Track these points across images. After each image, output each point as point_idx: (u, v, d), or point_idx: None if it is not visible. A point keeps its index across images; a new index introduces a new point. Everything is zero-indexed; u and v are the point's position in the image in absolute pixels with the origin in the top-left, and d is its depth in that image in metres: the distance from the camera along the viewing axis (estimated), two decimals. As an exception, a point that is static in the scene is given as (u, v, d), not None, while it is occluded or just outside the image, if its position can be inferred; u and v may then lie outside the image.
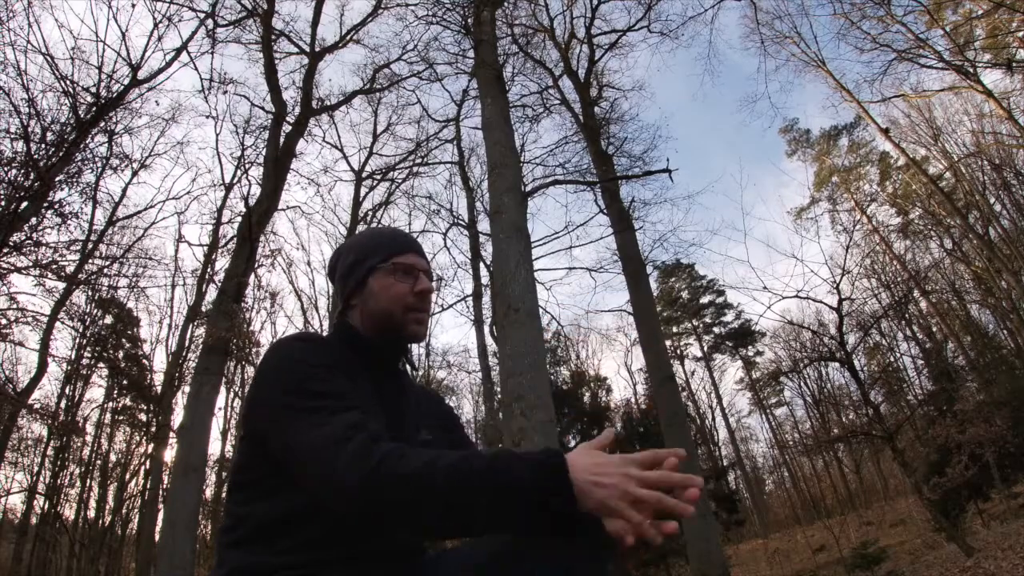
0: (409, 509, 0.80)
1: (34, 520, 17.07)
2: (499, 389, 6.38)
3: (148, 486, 15.73)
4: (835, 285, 8.72)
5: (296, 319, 20.09)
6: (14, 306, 8.74)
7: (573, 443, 16.58)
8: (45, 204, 7.86)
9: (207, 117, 12.45)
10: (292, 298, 22.83)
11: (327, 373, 0.99)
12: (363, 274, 1.16)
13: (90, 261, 11.42)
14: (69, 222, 8.26)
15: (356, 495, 0.81)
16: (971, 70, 14.00)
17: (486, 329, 14.35)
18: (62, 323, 12.38)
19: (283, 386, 0.97)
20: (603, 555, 0.82)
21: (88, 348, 17.64)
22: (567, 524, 0.78)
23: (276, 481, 0.96)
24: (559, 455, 0.79)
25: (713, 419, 29.23)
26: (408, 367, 1.22)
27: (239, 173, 13.09)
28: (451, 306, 16.70)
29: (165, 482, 14.20)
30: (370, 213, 16.97)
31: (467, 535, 0.87)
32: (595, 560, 0.82)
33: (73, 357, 16.73)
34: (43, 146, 7.98)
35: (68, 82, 8.38)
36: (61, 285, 10.00)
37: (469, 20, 8.57)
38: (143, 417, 19.61)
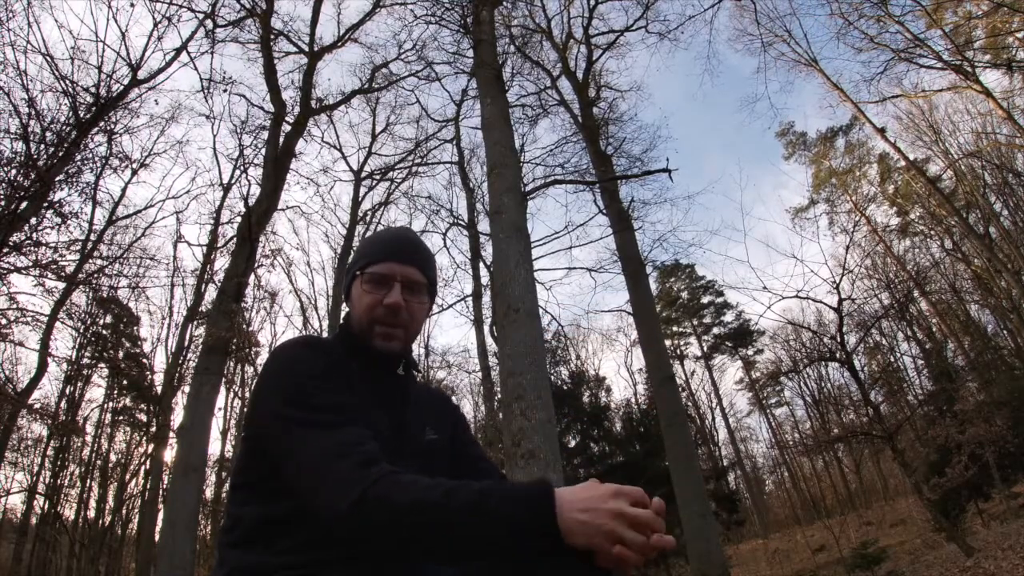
0: (394, 539, 0.82)
1: (34, 520, 17.09)
2: (499, 389, 6.39)
3: (148, 486, 15.74)
4: (835, 285, 8.73)
5: (296, 319, 20.13)
6: (14, 306, 8.75)
7: (573, 443, 16.59)
8: (45, 204, 7.86)
9: (206, 118, 12.44)
10: (292, 298, 22.86)
11: (328, 383, 1.00)
12: (349, 280, 1.17)
13: (90, 261, 11.43)
14: (69, 222, 8.27)
15: (343, 519, 0.83)
16: (970, 70, 14.00)
17: (486, 329, 14.35)
18: (62, 323, 12.39)
19: (284, 394, 0.97)
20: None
21: (88, 348, 17.65)
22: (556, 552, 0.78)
23: (276, 482, 0.96)
24: (547, 494, 0.79)
25: (713, 419, 29.28)
26: (410, 371, 1.19)
27: (238, 173, 13.09)
28: (451, 306, 16.70)
29: (165, 482, 14.20)
30: (369, 213, 16.98)
31: (452, 564, 0.88)
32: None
33: (73, 357, 16.74)
34: (43, 146, 7.98)
35: (68, 82, 8.39)
36: (61, 285, 9.99)
37: (468, 20, 8.56)
38: (143, 417, 19.62)
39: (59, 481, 17.51)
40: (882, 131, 16.78)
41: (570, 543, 0.76)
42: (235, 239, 10.50)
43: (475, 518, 0.79)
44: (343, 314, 1.20)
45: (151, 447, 17.17)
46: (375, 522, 0.82)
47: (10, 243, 7.39)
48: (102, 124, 8.87)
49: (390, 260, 1.12)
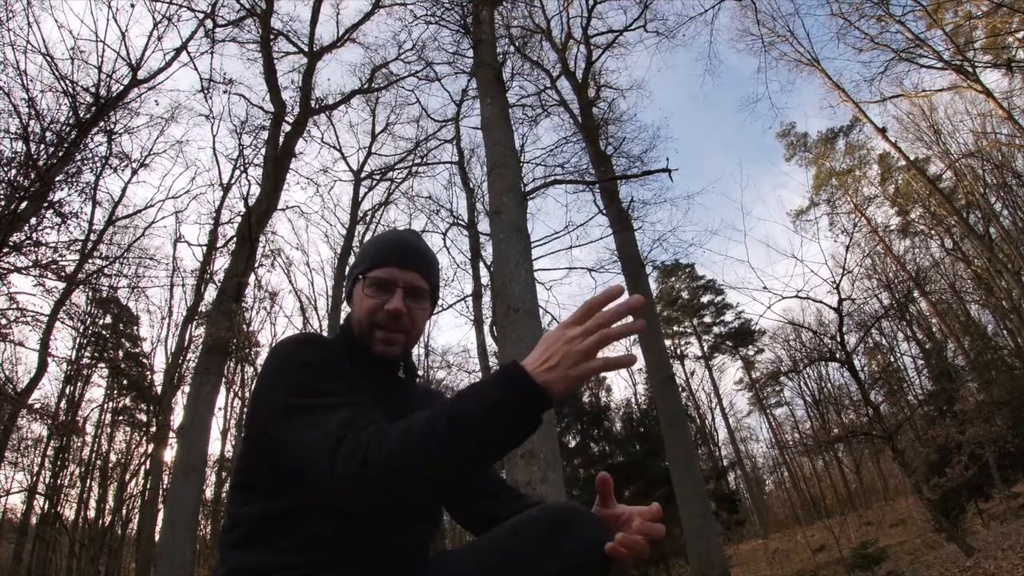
0: (411, 484, 0.81)
1: (34, 520, 17.09)
2: (499, 389, 6.37)
3: (148, 486, 15.74)
4: (835, 285, 8.72)
5: (296, 319, 20.12)
6: (14, 306, 8.74)
7: (573, 443, 16.60)
8: (45, 204, 7.86)
9: (205, 118, 12.42)
10: (292, 298, 22.85)
11: (326, 374, 0.99)
12: (351, 282, 1.17)
13: (90, 261, 11.41)
14: (69, 222, 8.27)
15: (356, 495, 0.81)
16: (971, 70, 14.01)
17: (486, 329, 14.35)
18: (62, 323, 12.39)
19: (284, 388, 0.97)
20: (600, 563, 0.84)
21: (88, 348, 17.66)
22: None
23: (277, 481, 0.96)
24: (514, 366, 0.82)
25: (713, 419, 29.28)
26: (408, 374, 1.19)
27: (237, 173, 13.08)
28: (451, 306, 16.71)
29: (165, 482, 14.20)
30: (369, 213, 16.98)
31: (475, 470, 0.86)
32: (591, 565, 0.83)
33: (73, 357, 16.74)
34: (43, 146, 7.98)
35: (68, 82, 8.38)
36: (61, 285, 9.99)
37: (468, 20, 8.56)
38: (143, 417, 19.63)
39: (59, 481, 17.51)
40: (883, 131, 16.80)
41: (557, 395, 0.79)
42: (235, 239, 10.51)
43: (466, 422, 0.79)
44: (344, 315, 1.20)
45: (151, 447, 17.19)
46: (382, 480, 0.80)
47: (10, 243, 7.39)
48: (102, 124, 8.86)
49: (392, 265, 1.12)
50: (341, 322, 1.19)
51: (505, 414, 0.79)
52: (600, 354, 0.81)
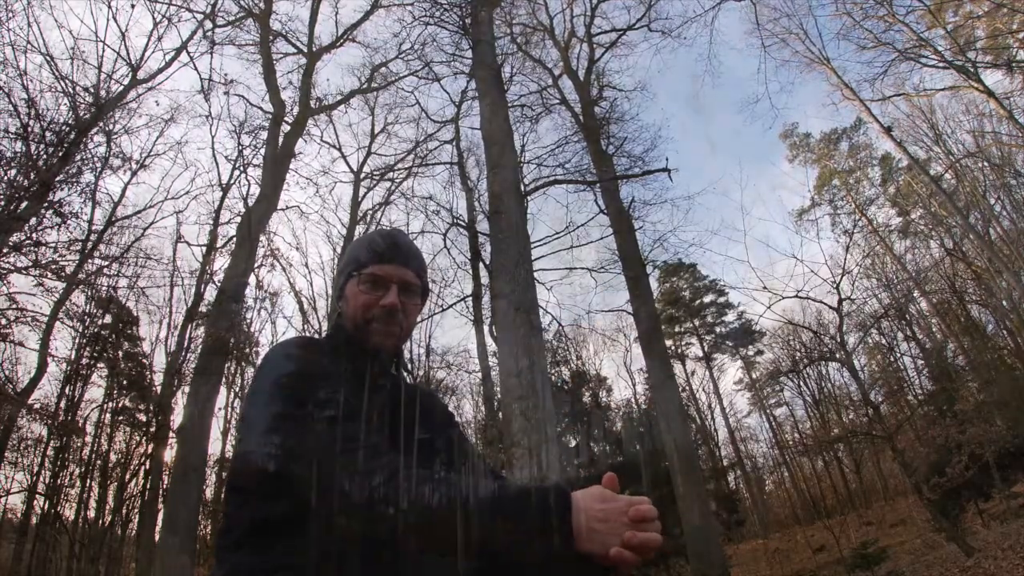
0: (409, 531, 0.82)
1: (34, 520, 17.06)
2: (499, 389, 6.38)
3: (148, 486, 15.74)
4: (835, 285, 8.73)
5: (296, 320, 20.11)
6: (14, 306, 8.74)
7: (573, 443, 16.60)
8: (45, 204, 7.85)
9: (205, 118, 12.41)
10: (291, 299, 22.84)
11: (324, 380, 1.00)
12: (343, 280, 1.18)
13: (90, 261, 11.40)
14: (68, 222, 8.28)
15: (359, 510, 0.83)
16: (972, 70, 14.01)
17: (486, 329, 14.34)
18: (62, 323, 12.42)
19: (282, 392, 0.97)
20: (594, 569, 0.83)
21: (88, 348, 17.65)
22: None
23: (274, 483, 0.95)
24: (564, 498, 0.80)
25: (713, 419, 29.26)
26: (402, 371, 1.21)
27: (237, 173, 13.07)
28: (451, 306, 16.68)
29: (165, 482, 14.20)
30: (369, 213, 16.96)
31: (460, 558, 0.89)
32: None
33: (73, 357, 16.72)
34: (43, 146, 7.97)
35: (68, 82, 8.40)
36: (61, 285, 9.99)
37: (467, 20, 8.55)
38: (143, 417, 19.61)
39: (59, 481, 17.47)
40: (888, 129, 16.81)
41: (581, 548, 0.77)
42: (235, 239, 10.51)
43: (493, 516, 0.79)
44: (336, 315, 1.21)
45: (151, 447, 17.19)
46: (392, 513, 0.82)
47: (10, 243, 7.39)
48: (102, 124, 8.87)
49: (386, 262, 1.14)
50: (333, 321, 1.20)
51: (529, 533, 0.79)
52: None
